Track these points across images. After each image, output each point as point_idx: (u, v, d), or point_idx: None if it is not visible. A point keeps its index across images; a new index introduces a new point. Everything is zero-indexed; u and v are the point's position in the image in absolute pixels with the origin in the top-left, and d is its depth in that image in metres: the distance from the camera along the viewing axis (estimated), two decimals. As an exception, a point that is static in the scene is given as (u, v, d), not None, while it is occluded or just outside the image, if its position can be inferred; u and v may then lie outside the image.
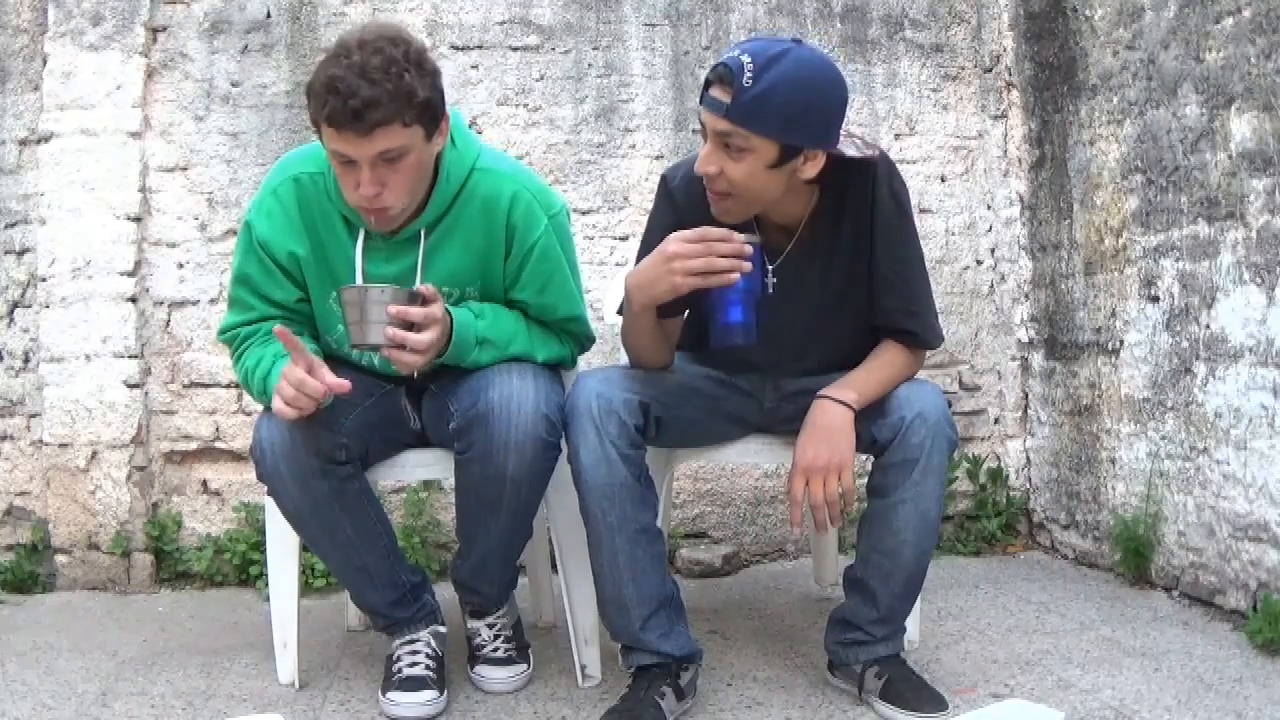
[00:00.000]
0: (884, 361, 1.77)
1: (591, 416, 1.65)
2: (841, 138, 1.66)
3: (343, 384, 1.60)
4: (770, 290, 1.76)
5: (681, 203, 1.78)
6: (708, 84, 1.59)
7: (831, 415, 1.68)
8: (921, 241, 2.94)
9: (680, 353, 1.94)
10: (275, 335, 1.61)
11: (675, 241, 1.60)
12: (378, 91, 1.53)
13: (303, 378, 1.59)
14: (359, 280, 1.74)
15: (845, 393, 1.70)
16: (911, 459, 1.67)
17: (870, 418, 1.72)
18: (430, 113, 1.63)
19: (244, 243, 1.80)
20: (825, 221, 1.77)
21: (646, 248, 1.79)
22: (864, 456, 1.79)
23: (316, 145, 1.77)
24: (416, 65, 1.59)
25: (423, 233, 1.76)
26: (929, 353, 3.01)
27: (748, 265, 1.58)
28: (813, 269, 1.79)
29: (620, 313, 1.84)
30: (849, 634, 1.79)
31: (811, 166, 1.63)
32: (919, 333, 1.80)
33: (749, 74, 1.52)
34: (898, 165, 2.95)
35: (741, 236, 1.60)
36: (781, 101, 1.53)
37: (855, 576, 1.78)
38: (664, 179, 1.84)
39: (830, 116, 1.62)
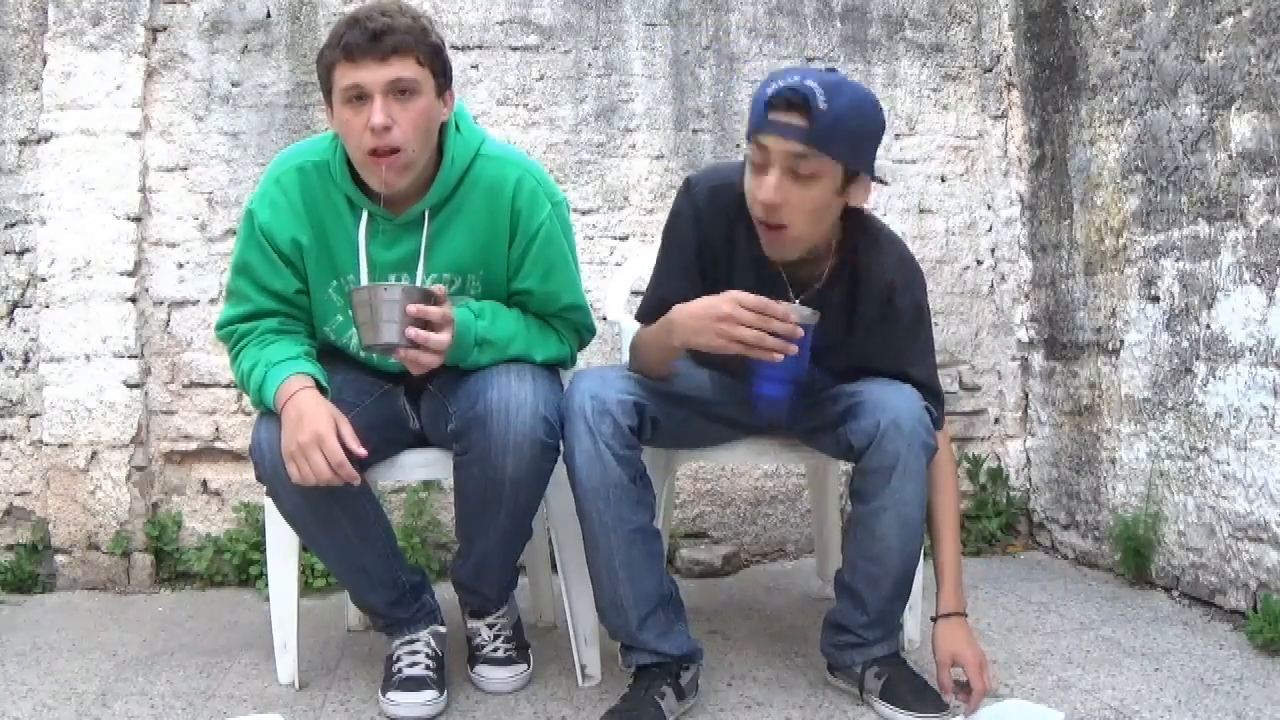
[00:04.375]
0: (946, 501, 1.77)
1: (585, 417, 1.65)
2: None
3: (359, 451, 1.64)
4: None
5: (705, 212, 1.74)
6: (768, 108, 1.54)
7: (968, 630, 1.76)
8: (921, 241, 2.99)
9: None
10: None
11: (731, 303, 1.56)
12: (395, 21, 1.62)
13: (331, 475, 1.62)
14: (363, 264, 1.74)
15: (960, 600, 1.77)
16: (888, 466, 1.66)
17: (845, 423, 1.72)
18: (441, 63, 1.70)
19: (245, 231, 1.81)
20: (841, 283, 1.74)
21: (666, 256, 1.80)
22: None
23: (319, 138, 1.81)
24: (428, 21, 1.70)
25: (427, 215, 1.76)
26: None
27: (794, 349, 1.56)
28: (829, 320, 1.73)
29: (639, 317, 1.83)
30: (842, 637, 1.79)
31: (862, 193, 1.63)
32: (938, 419, 1.78)
33: (823, 98, 1.51)
34: (900, 165, 2.99)
35: (799, 316, 1.56)
36: (853, 123, 1.55)
37: (844, 581, 1.79)
38: (688, 183, 1.78)
39: (878, 141, 1.65)
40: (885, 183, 1.67)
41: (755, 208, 1.61)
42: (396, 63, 1.62)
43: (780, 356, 1.55)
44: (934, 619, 1.76)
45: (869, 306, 1.74)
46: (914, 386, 1.73)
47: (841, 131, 1.54)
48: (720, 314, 1.57)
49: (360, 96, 1.63)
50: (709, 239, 1.73)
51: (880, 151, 2.94)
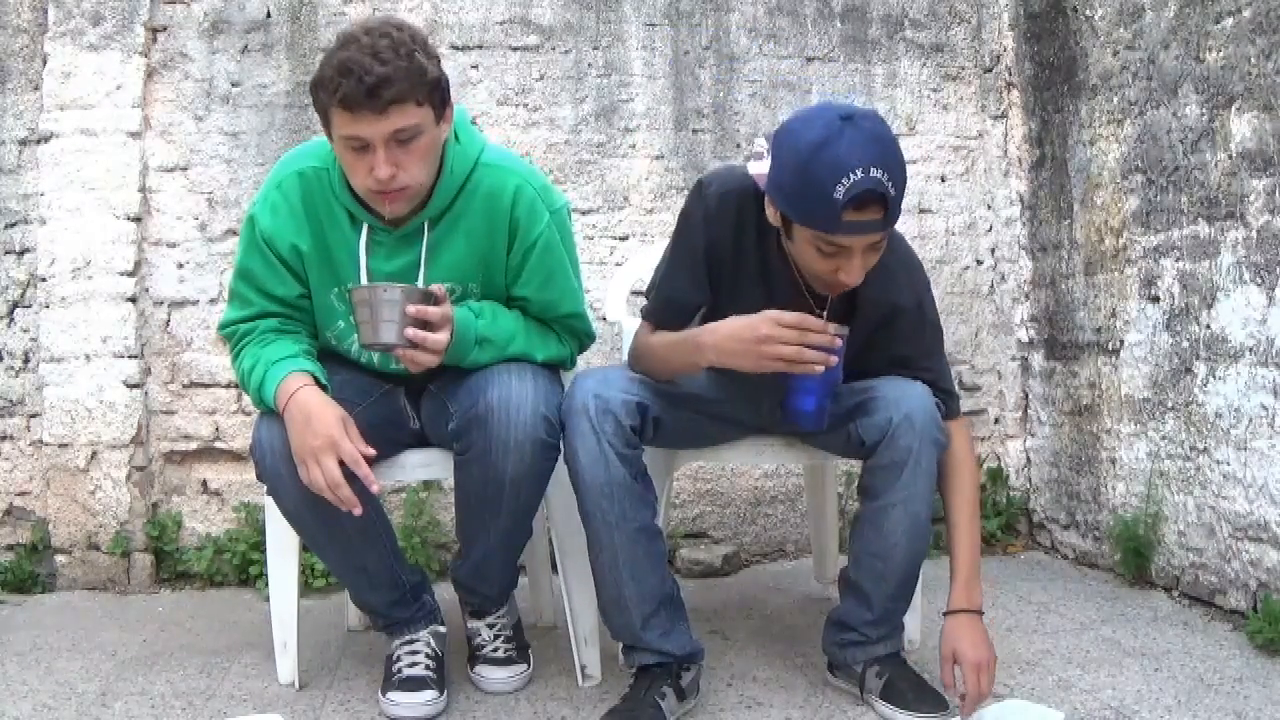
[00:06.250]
0: (963, 497, 1.75)
1: (588, 416, 1.65)
2: None
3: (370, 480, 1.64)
4: None
5: (715, 215, 1.72)
6: (842, 208, 1.48)
7: (976, 629, 1.70)
8: (921, 241, 2.99)
9: None
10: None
11: (769, 323, 1.56)
12: (390, 70, 1.56)
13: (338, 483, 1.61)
14: (364, 276, 1.74)
15: (970, 597, 1.71)
16: (900, 461, 1.67)
17: (856, 419, 1.73)
18: (440, 94, 1.66)
19: (247, 237, 1.80)
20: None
21: (675, 256, 1.78)
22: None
23: (320, 141, 1.80)
24: (423, 47, 1.63)
25: (426, 226, 1.76)
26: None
27: (834, 359, 1.58)
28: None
29: (646, 316, 1.83)
30: (845, 635, 1.79)
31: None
32: (953, 410, 1.79)
33: (889, 184, 1.49)
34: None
35: (834, 328, 1.58)
36: (904, 184, 1.55)
37: (849, 578, 1.79)
38: (700, 185, 1.74)
39: None
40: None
41: (831, 282, 1.61)
42: (395, 113, 1.57)
43: (821, 369, 1.57)
44: (944, 614, 1.76)
45: (869, 310, 1.74)
46: (924, 382, 1.75)
47: (901, 198, 1.54)
48: (760, 336, 1.57)
49: (363, 146, 1.61)
50: (717, 242, 1.73)
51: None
